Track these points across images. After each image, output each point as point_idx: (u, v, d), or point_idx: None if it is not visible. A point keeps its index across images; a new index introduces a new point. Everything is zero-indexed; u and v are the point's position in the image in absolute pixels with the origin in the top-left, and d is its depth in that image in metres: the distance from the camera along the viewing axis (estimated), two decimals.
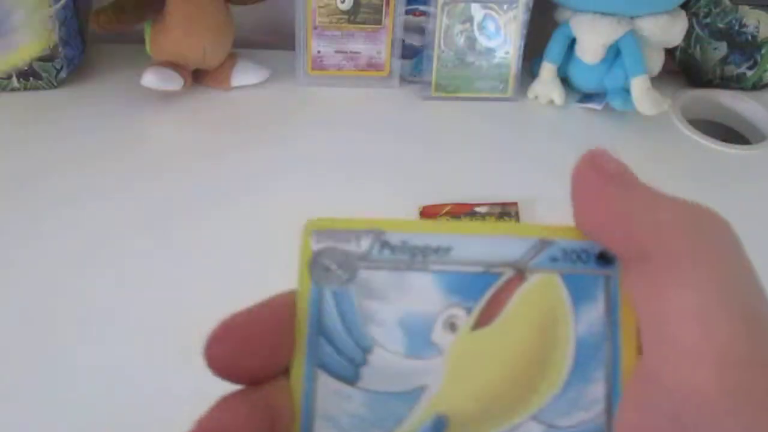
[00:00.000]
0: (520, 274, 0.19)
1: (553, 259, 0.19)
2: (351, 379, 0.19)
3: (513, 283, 0.19)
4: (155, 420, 0.48)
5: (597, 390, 0.18)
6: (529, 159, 0.74)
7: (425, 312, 0.19)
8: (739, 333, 0.16)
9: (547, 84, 0.79)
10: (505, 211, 0.66)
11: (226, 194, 0.67)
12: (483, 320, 0.19)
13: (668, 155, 0.75)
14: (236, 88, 0.79)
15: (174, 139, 0.74)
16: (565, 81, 0.81)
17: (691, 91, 0.84)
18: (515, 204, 0.67)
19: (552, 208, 0.68)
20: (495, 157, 0.74)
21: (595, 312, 0.19)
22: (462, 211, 0.65)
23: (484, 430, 0.18)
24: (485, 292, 0.19)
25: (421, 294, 0.19)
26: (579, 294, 0.19)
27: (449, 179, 0.70)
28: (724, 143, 0.77)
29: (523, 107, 0.81)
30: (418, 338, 0.19)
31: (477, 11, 0.76)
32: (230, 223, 0.64)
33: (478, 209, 0.66)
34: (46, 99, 0.76)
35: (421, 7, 0.77)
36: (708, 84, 0.85)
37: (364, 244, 0.19)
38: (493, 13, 0.77)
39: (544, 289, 0.19)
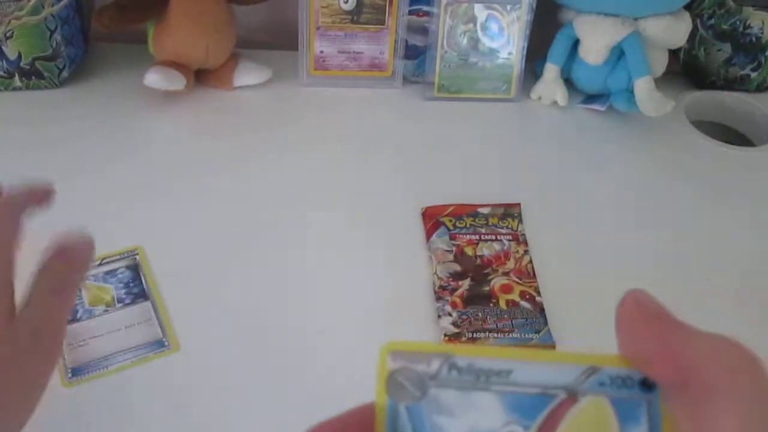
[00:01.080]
0: (573, 396, 0.21)
1: (601, 384, 0.21)
2: None
3: (566, 404, 0.21)
4: None
5: None
6: (531, 160, 0.74)
7: (488, 428, 0.21)
8: None
9: (550, 85, 0.79)
10: (508, 212, 0.66)
11: (227, 193, 0.67)
12: None
13: (672, 157, 0.75)
14: (239, 88, 0.79)
15: (176, 139, 0.73)
16: (568, 82, 0.81)
17: (695, 92, 0.83)
18: (518, 205, 0.66)
19: (553, 209, 0.68)
20: (498, 158, 0.74)
21: None
22: (464, 212, 0.65)
23: None
24: (541, 411, 0.21)
25: (484, 411, 0.21)
26: (625, 416, 0.21)
27: (452, 180, 0.70)
28: (728, 145, 0.77)
29: (525, 108, 0.81)
30: None
31: (480, 12, 0.76)
32: (231, 222, 0.64)
33: (480, 210, 0.66)
34: (48, 98, 0.76)
35: (424, 8, 0.77)
36: (712, 85, 0.84)
37: (435, 365, 0.22)
38: (497, 14, 0.77)
39: (593, 410, 0.21)
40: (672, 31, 0.74)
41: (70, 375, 0.51)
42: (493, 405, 0.21)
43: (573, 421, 0.21)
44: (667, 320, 0.21)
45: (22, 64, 0.74)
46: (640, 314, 0.22)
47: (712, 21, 0.81)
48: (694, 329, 0.21)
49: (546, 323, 0.57)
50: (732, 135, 0.83)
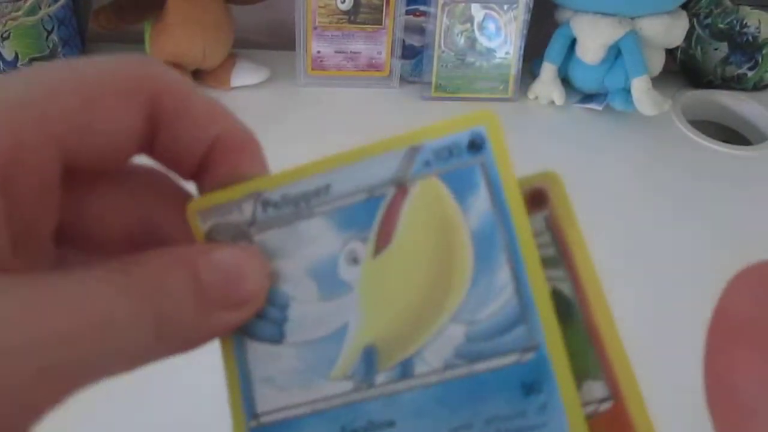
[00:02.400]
0: (402, 188, 0.19)
1: (427, 164, 0.19)
2: (277, 338, 0.19)
3: (397, 200, 0.19)
4: None
5: (503, 275, 0.18)
6: (529, 159, 0.73)
7: (326, 254, 0.19)
8: None
9: (547, 84, 0.79)
10: None
11: None
12: (380, 244, 0.19)
13: (669, 156, 0.75)
14: (236, 88, 0.79)
15: None
16: (565, 81, 0.81)
17: (691, 91, 0.84)
18: None
19: None
20: None
21: (481, 201, 0.19)
22: None
23: (410, 346, 0.19)
24: (374, 216, 0.19)
25: (317, 239, 0.19)
26: (461, 189, 0.19)
27: None
28: (724, 144, 0.77)
29: (523, 108, 0.81)
30: (327, 281, 0.19)
31: (477, 11, 0.76)
32: None
33: None
34: None
35: (422, 8, 0.77)
36: (709, 84, 0.84)
37: (247, 210, 0.19)
38: (494, 14, 0.77)
39: (427, 195, 0.19)
40: (669, 30, 0.74)
41: None
42: (323, 229, 0.19)
43: (409, 215, 0.19)
44: None
45: (18, 65, 0.73)
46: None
47: (709, 20, 0.81)
48: None
49: None
50: (729, 134, 0.83)
